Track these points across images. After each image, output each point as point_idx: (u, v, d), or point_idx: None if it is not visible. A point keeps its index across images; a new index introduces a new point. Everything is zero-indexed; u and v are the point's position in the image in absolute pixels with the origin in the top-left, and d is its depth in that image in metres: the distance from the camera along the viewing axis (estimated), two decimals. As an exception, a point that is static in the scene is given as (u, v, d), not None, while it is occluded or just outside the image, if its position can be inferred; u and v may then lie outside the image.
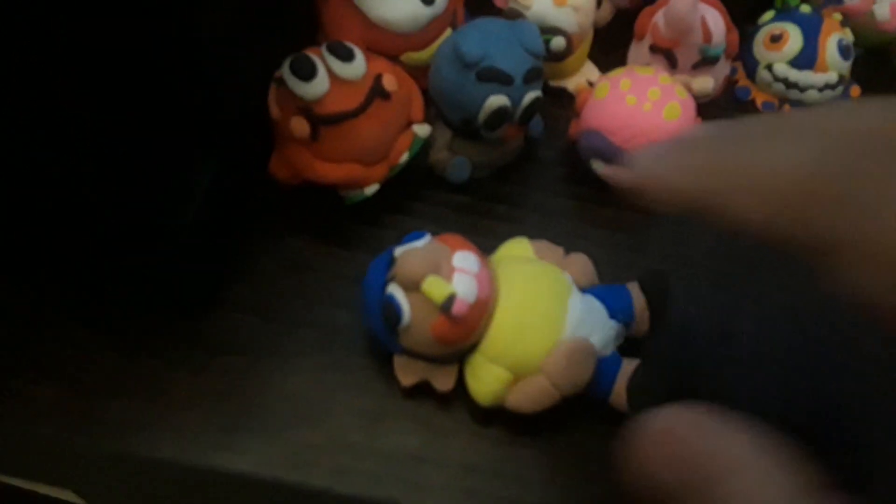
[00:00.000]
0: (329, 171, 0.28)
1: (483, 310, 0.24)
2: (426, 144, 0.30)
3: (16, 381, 0.26)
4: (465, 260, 0.24)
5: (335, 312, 0.28)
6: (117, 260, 0.25)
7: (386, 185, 0.29)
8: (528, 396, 0.24)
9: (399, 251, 0.24)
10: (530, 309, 0.24)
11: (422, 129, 0.29)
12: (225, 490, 0.26)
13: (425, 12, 0.30)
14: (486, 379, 0.24)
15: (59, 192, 0.24)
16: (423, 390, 0.26)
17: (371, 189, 0.29)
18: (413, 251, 0.24)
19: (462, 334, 0.24)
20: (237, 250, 0.28)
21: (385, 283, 0.24)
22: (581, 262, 0.27)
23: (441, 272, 0.23)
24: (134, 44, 0.22)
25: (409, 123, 0.29)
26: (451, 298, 0.23)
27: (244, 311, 0.27)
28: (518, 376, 0.24)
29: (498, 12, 0.32)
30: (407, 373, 0.25)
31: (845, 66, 0.33)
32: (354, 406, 0.26)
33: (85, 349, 0.26)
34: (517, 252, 0.27)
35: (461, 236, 0.25)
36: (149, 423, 0.25)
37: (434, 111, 0.30)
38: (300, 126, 0.27)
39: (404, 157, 0.29)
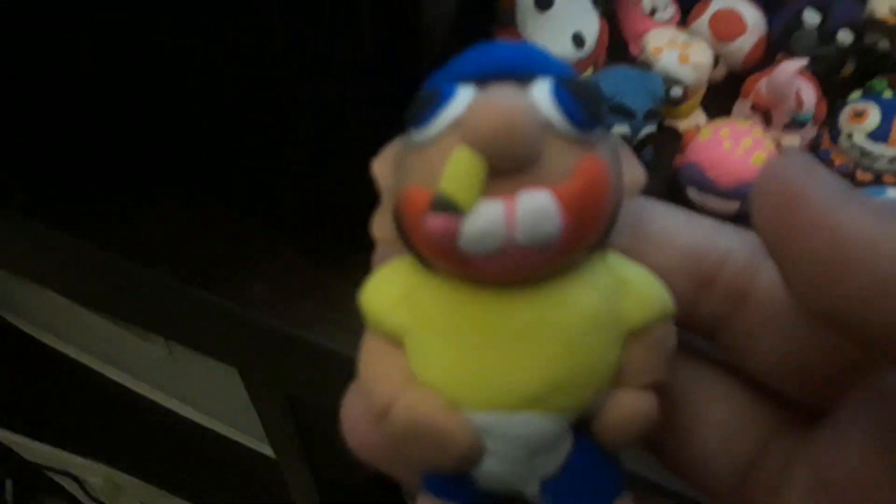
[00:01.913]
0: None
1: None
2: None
3: (236, 277, 0.36)
4: (533, 204, 0.12)
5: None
6: (321, 199, 0.35)
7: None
8: None
9: (539, 88, 0.12)
10: None
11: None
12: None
13: (576, 54, 0.38)
14: None
15: (288, 149, 0.34)
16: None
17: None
18: (524, 108, 0.12)
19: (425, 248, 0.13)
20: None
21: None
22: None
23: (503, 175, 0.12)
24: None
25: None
26: (445, 201, 0.12)
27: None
28: None
29: (632, 59, 0.40)
30: None
31: (915, 144, 0.39)
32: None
33: (288, 261, 0.36)
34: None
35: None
36: (327, 319, 0.34)
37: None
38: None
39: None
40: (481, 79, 0.12)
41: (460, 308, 0.13)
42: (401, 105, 0.36)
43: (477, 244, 0.12)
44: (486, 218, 0.11)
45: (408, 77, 0.35)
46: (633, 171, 0.13)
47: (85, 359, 0.94)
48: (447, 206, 0.11)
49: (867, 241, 0.10)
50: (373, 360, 0.14)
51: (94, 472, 1.01)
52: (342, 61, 0.32)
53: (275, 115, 0.33)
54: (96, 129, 0.37)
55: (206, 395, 0.87)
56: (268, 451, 0.89)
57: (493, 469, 0.13)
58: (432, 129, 0.12)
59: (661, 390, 0.13)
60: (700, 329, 0.14)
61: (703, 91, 0.41)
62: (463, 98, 0.12)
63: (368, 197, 0.37)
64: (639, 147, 0.37)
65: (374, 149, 0.35)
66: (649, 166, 0.40)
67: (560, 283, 0.13)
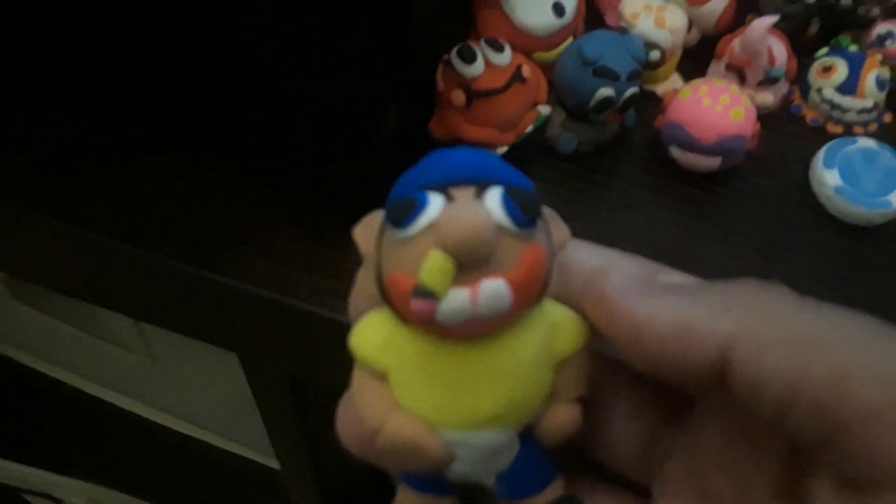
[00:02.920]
0: (474, 133, 0.37)
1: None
2: (546, 121, 0.39)
3: (240, 254, 0.36)
4: (490, 291, 0.15)
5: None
6: (324, 173, 0.35)
7: (512, 149, 0.38)
8: None
9: (490, 196, 0.16)
10: None
11: (544, 109, 0.39)
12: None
13: (557, 22, 0.39)
14: None
15: (292, 123, 0.34)
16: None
17: (501, 150, 0.38)
18: (483, 220, 0.15)
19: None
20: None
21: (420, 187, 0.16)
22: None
23: (468, 269, 0.15)
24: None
25: (536, 104, 0.39)
26: (425, 290, 0.15)
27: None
28: None
29: (609, 29, 0.42)
30: None
31: (880, 95, 0.41)
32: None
33: (291, 237, 0.36)
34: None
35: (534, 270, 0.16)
36: (332, 292, 0.35)
37: (554, 96, 0.39)
38: (459, 97, 0.37)
39: (529, 129, 0.38)
40: (446, 185, 0.16)
41: (433, 354, 0.17)
42: (396, 80, 0.36)
43: (450, 319, 0.16)
44: (456, 302, 0.15)
45: (400, 52, 0.36)
46: (561, 233, 0.17)
47: (62, 375, 0.92)
48: (426, 294, 0.15)
49: (648, 319, 0.16)
50: (363, 390, 0.18)
51: (76, 492, 0.99)
52: (342, 38, 0.33)
53: (275, 91, 0.34)
54: (85, 103, 0.37)
55: (192, 405, 0.86)
56: (260, 458, 0.88)
57: (460, 470, 0.17)
58: (411, 231, 0.16)
59: (582, 400, 0.18)
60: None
61: (679, 54, 0.43)
62: (434, 207, 0.16)
63: (367, 172, 0.38)
64: (623, 108, 0.38)
65: (372, 125, 0.35)
66: (632, 129, 0.41)
67: (509, 333, 0.17)
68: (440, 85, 0.37)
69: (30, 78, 0.39)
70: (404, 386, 0.17)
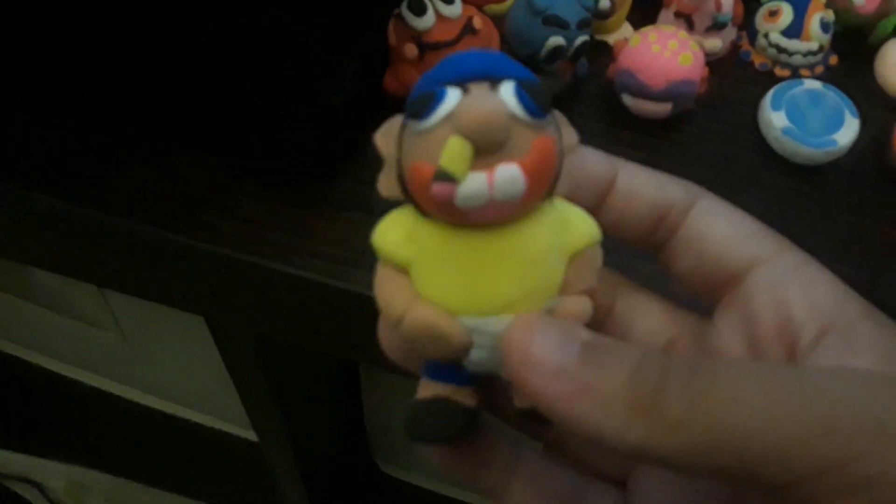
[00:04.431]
0: (429, 86, 0.38)
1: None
2: (500, 73, 0.40)
3: (203, 216, 0.36)
4: (506, 174, 0.16)
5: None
6: (283, 133, 0.35)
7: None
8: None
9: (504, 89, 0.17)
10: None
11: (498, 61, 0.39)
12: (347, 305, 0.36)
13: (506, -25, 0.40)
14: None
15: (249, 85, 0.35)
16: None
17: (457, 102, 0.39)
18: (497, 106, 0.16)
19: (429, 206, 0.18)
20: (360, 141, 0.39)
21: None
22: None
23: (484, 154, 0.16)
24: None
25: (489, 56, 0.39)
26: (444, 174, 0.16)
27: (363, 184, 0.38)
28: None
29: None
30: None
31: (825, 38, 0.42)
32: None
33: (254, 197, 0.37)
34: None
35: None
36: (296, 249, 0.35)
37: (507, 48, 0.40)
38: (411, 50, 0.37)
39: (483, 81, 0.39)
40: (463, 81, 0.17)
41: (452, 244, 0.18)
42: (350, 38, 0.37)
43: (468, 202, 0.17)
44: (474, 185, 0.16)
45: (351, 10, 0.36)
46: (569, 137, 0.19)
47: (34, 357, 0.92)
48: (446, 177, 0.16)
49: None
50: (386, 283, 0.19)
51: (56, 475, 0.99)
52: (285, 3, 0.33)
53: (231, 54, 0.34)
54: (43, 77, 0.37)
55: (167, 380, 0.86)
56: (239, 431, 0.88)
57: (478, 357, 0.18)
58: (430, 122, 0.17)
59: (592, 294, 0.19)
60: (652, 247, 0.22)
61: (629, 4, 0.43)
62: (452, 99, 0.17)
63: (326, 129, 0.38)
64: (574, 57, 0.38)
65: (329, 83, 0.36)
66: (585, 79, 0.42)
67: (523, 223, 0.18)
68: (392, 39, 0.38)
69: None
70: (425, 277, 0.18)
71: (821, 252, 0.37)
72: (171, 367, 0.81)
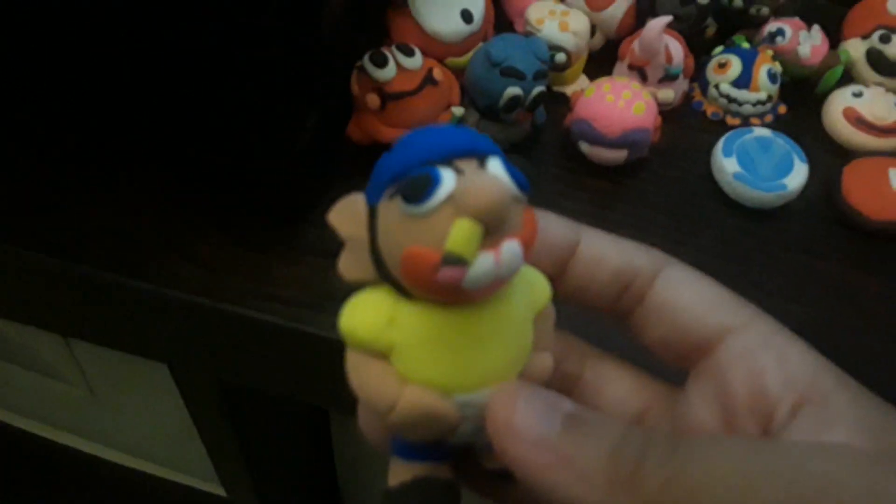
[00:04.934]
0: (390, 134, 0.39)
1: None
2: (460, 122, 0.41)
3: (165, 264, 0.36)
4: (510, 251, 0.17)
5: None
6: (245, 179, 0.36)
7: (429, 150, 0.40)
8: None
9: (493, 166, 0.17)
10: None
11: (458, 110, 0.40)
12: (307, 348, 0.36)
13: (465, 28, 0.41)
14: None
15: (211, 131, 0.36)
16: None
17: (419, 150, 0.40)
18: (502, 185, 0.16)
19: (428, 290, 0.17)
20: (323, 187, 0.39)
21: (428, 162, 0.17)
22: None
23: (489, 234, 0.16)
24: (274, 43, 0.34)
25: (449, 105, 0.40)
26: (456, 258, 0.16)
27: (325, 229, 0.38)
28: None
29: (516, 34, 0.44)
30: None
31: (773, 88, 0.44)
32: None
33: (215, 244, 0.37)
34: None
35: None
36: (256, 293, 0.36)
37: (468, 99, 0.41)
38: (373, 100, 0.38)
39: (444, 130, 0.40)
40: (451, 159, 0.17)
41: (440, 323, 0.17)
42: (313, 87, 0.38)
43: (477, 283, 0.16)
44: (484, 266, 0.16)
45: (315, 61, 0.37)
46: None
47: (1, 414, 0.90)
48: (457, 262, 0.16)
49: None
50: (365, 371, 0.18)
51: (19, 538, 0.96)
52: (258, 49, 0.34)
53: (194, 99, 0.35)
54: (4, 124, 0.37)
55: (134, 436, 0.84)
56: (208, 486, 0.87)
57: (466, 430, 0.18)
58: (429, 205, 0.16)
59: (556, 357, 0.20)
60: (618, 315, 0.22)
61: (584, 58, 0.45)
62: (448, 180, 0.16)
63: (288, 176, 0.39)
64: (532, 107, 0.40)
65: (292, 131, 0.36)
66: (543, 128, 0.43)
67: (503, 292, 0.18)
68: (355, 89, 0.39)
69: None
70: (411, 359, 0.18)
71: (773, 292, 0.39)
72: (139, 421, 0.79)
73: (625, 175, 0.42)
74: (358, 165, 0.41)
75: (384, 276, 0.18)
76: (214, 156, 0.36)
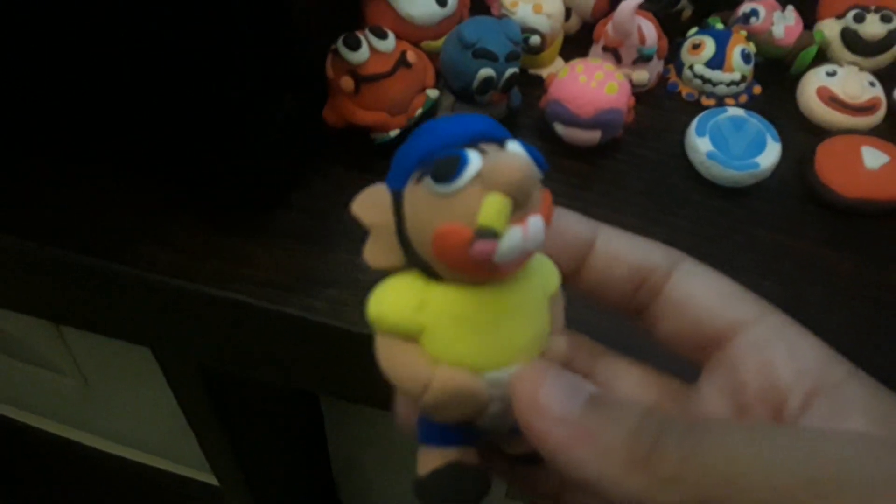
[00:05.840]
0: (365, 117, 0.39)
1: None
2: (435, 105, 0.41)
3: (143, 249, 0.37)
4: (536, 224, 0.17)
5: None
6: (221, 163, 0.37)
7: (404, 132, 0.40)
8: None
9: (513, 147, 0.18)
10: None
11: (432, 93, 0.41)
12: (282, 328, 0.37)
13: (440, 12, 0.41)
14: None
15: (187, 116, 0.36)
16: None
17: (394, 132, 0.40)
18: (526, 161, 0.17)
19: (461, 267, 0.18)
20: (299, 171, 0.40)
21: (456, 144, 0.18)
22: None
23: (517, 209, 0.17)
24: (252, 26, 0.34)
25: (424, 88, 0.41)
26: (488, 231, 0.17)
27: (302, 212, 0.39)
28: None
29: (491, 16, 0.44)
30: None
31: (747, 68, 0.44)
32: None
33: (193, 229, 0.37)
34: None
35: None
36: (236, 277, 0.36)
37: (442, 81, 0.41)
38: (347, 83, 0.38)
39: (419, 112, 0.40)
40: (473, 143, 0.18)
41: (469, 303, 0.18)
42: (286, 71, 0.38)
43: (507, 256, 0.17)
44: (514, 239, 0.17)
45: (285, 44, 0.37)
46: None
47: (-3, 407, 0.90)
48: (490, 234, 0.17)
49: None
50: (396, 355, 0.19)
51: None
52: (228, 34, 0.35)
53: (168, 85, 0.35)
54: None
55: (128, 426, 0.85)
56: (200, 476, 0.87)
57: (494, 410, 0.19)
58: (458, 184, 0.17)
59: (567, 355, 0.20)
60: (633, 311, 0.22)
61: (560, 40, 0.45)
62: (475, 160, 0.17)
63: (262, 159, 0.39)
64: (505, 88, 0.40)
65: (266, 114, 0.37)
66: (519, 110, 0.44)
67: (523, 272, 0.19)
68: (330, 73, 0.39)
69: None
70: (442, 340, 0.18)
71: (747, 268, 0.39)
72: (133, 411, 0.80)
73: (601, 156, 0.43)
74: (333, 148, 0.41)
75: (413, 259, 0.18)
76: (190, 141, 0.37)
